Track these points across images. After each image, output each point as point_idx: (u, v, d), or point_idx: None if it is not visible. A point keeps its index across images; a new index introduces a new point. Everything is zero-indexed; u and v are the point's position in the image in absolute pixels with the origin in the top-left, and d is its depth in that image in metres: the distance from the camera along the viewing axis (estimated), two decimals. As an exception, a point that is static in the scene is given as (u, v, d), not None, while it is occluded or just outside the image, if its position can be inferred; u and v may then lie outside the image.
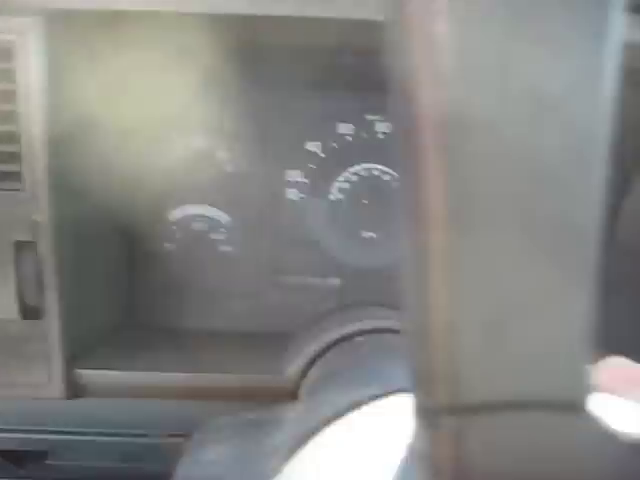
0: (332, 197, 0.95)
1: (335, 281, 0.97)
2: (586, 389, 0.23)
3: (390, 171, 0.94)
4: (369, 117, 0.94)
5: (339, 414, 0.44)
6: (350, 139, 0.94)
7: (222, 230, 0.95)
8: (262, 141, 0.93)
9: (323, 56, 0.85)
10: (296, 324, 0.83)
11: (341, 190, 0.95)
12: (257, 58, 0.81)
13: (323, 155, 0.94)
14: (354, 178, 0.95)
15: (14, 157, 0.67)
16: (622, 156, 0.83)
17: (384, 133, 0.94)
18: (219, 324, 0.94)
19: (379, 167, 0.94)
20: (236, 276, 0.96)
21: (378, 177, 0.95)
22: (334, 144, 0.94)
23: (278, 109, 0.93)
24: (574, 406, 0.23)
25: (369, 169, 0.95)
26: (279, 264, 0.96)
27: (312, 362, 0.70)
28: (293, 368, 0.71)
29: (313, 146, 0.94)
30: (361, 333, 0.69)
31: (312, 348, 0.70)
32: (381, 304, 0.86)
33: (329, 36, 0.74)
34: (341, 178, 0.95)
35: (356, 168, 0.95)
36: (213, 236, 0.95)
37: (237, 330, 0.90)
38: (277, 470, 0.41)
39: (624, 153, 0.83)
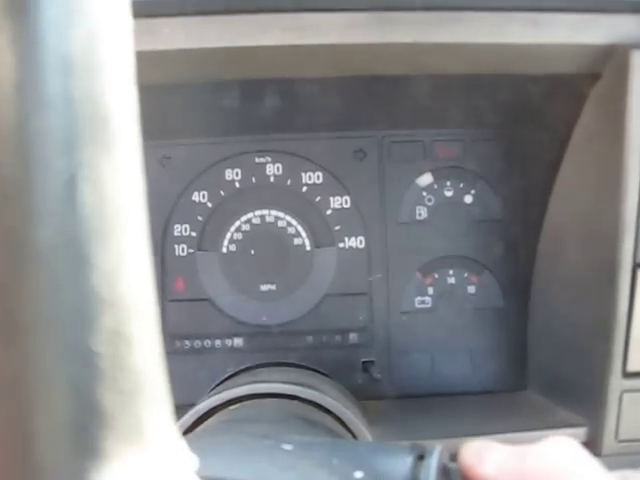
0: (224, 250, 0.87)
1: (237, 341, 0.88)
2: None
3: (286, 217, 0.87)
4: (258, 160, 0.87)
5: None
6: (239, 185, 0.87)
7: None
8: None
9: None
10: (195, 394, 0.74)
11: (233, 241, 0.87)
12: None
13: (211, 205, 0.87)
14: (246, 227, 0.87)
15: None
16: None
17: (276, 176, 0.87)
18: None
19: (273, 213, 0.87)
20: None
21: (273, 224, 0.87)
22: (222, 192, 0.87)
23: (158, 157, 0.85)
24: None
25: (262, 216, 0.87)
26: (173, 328, 0.86)
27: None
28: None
29: (199, 196, 0.87)
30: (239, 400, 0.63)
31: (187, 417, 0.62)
32: (287, 363, 0.79)
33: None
34: (232, 228, 0.87)
35: (248, 216, 0.87)
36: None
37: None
38: None
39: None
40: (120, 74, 0.19)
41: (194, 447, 0.25)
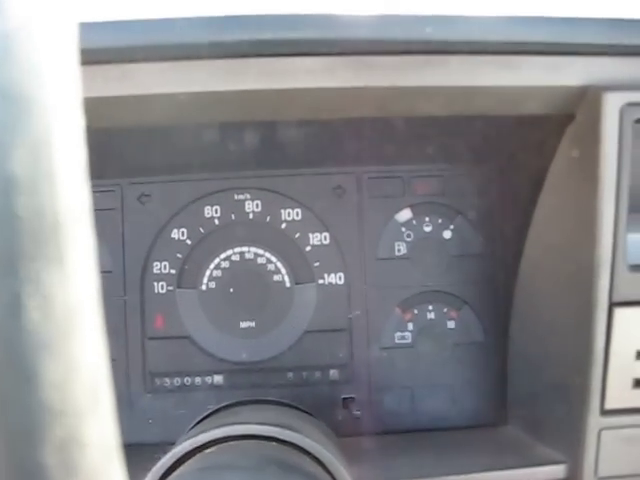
0: (204, 287, 0.87)
1: (217, 379, 0.87)
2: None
3: (266, 253, 0.87)
4: (237, 197, 0.87)
5: None
6: (218, 222, 0.87)
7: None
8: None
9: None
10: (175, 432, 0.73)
11: (213, 278, 0.87)
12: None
13: (190, 242, 0.86)
14: (226, 264, 0.87)
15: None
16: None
17: (255, 212, 0.87)
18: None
19: (253, 250, 0.87)
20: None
21: (252, 261, 0.87)
22: (201, 229, 0.86)
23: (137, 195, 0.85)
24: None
25: (242, 253, 0.87)
26: (153, 366, 0.86)
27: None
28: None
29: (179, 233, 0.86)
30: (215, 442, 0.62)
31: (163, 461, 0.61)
32: (267, 400, 0.79)
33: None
34: (212, 265, 0.87)
35: (228, 253, 0.87)
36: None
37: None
38: None
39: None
40: (70, 182, 0.19)
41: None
